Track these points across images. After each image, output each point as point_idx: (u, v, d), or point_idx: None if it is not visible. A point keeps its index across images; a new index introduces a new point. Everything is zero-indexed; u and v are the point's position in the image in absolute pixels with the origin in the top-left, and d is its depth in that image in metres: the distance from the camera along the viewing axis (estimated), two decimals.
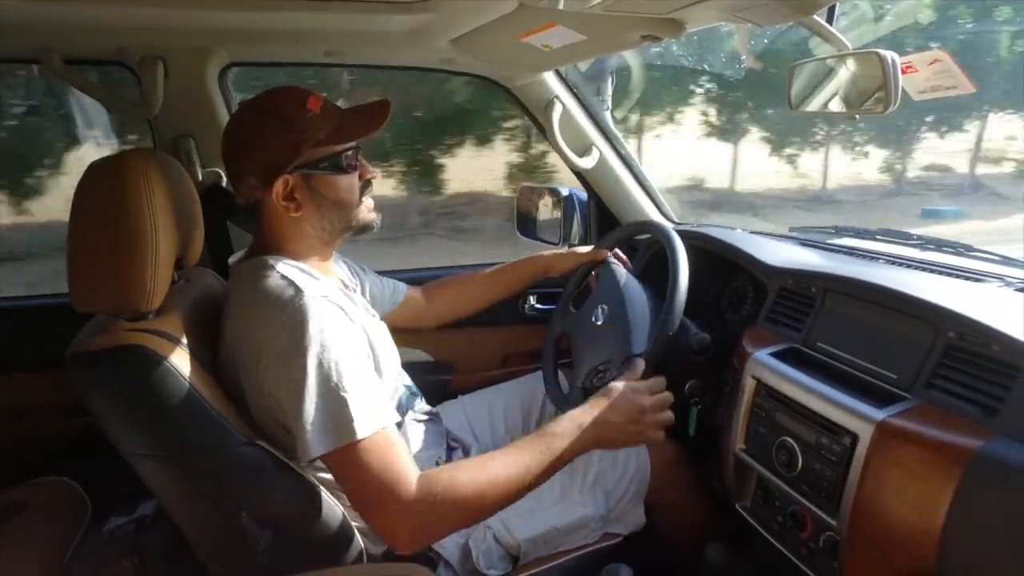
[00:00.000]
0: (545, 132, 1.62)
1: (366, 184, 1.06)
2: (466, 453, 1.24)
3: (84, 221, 0.87)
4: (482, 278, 1.48)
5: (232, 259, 1.10)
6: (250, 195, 1.00)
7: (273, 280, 0.93)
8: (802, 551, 0.98)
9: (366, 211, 1.06)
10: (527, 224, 1.85)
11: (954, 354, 0.88)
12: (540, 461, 0.91)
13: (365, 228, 1.07)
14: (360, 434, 0.85)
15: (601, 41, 1.16)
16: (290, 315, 0.88)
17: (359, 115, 1.02)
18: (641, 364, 1.11)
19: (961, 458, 0.77)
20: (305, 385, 0.85)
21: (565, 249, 1.48)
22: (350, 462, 0.85)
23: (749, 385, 1.10)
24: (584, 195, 1.75)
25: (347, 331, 0.91)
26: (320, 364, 0.86)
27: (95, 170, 0.88)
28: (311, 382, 0.85)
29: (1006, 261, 1.14)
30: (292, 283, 0.92)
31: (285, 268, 0.95)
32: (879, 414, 0.87)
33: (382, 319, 1.19)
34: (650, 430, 0.99)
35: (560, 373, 1.43)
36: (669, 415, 1.02)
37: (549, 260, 1.46)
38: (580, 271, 1.47)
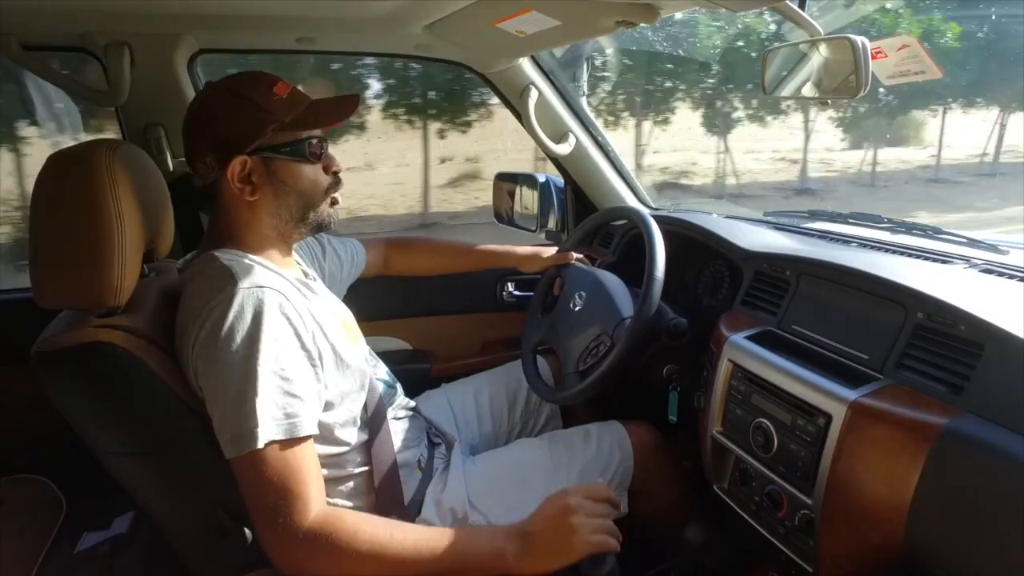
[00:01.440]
0: (521, 118, 1.62)
1: (334, 177, 1.02)
2: (449, 448, 1.24)
3: (45, 215, 0.84)
4: (449, 253, 1.51)
5: (180, 263, 1.06)
6: (206, 174, 0.97)
7: (212, 272, 0.90)
8: (779, 530, 1.00)
9: (326, 206, 1.02)
10: (504, 211, 1.85)
11: (923, 334, 0.90)
12: (450, 559, 0.84)
13: (323, 224, 1.03)
14: (262, 441, 0.81)
15: (576, 26, 1.16)
16: (216, 307, 0.85)
17: (328, 105, 1.00)
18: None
19: (929, 435, 0.79)
20: (220, 382, 0.83)
21: (529, 252, 1.50)
22: (252, 468, 0.82)
23: (726, 368, 1.11)
24: (561, 181, 1.76)
25: (278, 328, 0.87)
26: (238, 360, 0.83)
27: (56, 162, 0.86)
28: (225, 379, 0.83)
29: (972, 243, 1.17)
30: (230, 273, 0.88)
31: (230, 259, 0.92)
32: (852, 394, 0.89)
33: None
34: (585, 533, 0.85)
35: (545, 366, 1.44)
36: (605, 523, 0.88)
37: (518, 259, 1.50)
38: (544, 280, 1.49)
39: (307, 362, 0.90)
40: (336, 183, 1.03)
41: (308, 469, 0.86)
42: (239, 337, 0.84)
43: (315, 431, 0.89)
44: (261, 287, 0.88)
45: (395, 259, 1.46)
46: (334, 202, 1.03)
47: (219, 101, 0.95)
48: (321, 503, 0.85)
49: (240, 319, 0.85)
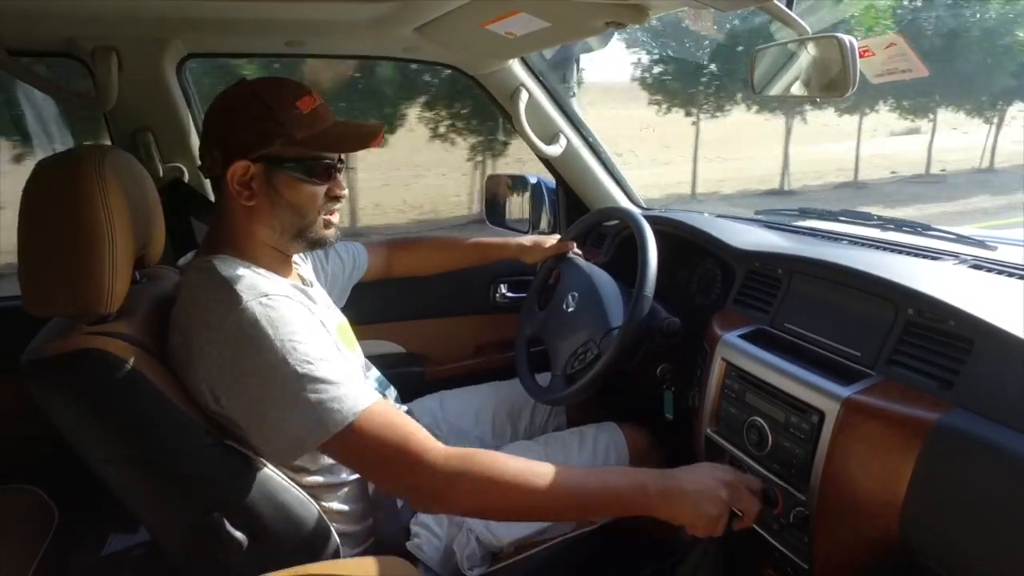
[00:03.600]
0: (512, 120, 1.62)
1: (333, 199, 1.00)
2: None
3: (35, 222, 0.83)
4: (451, 249, 1.50)
5: (182, 261, 1.06)
6: (211, 167, 0.96)
7: (212, 284, 0.89)
8: (774, 527, 1.00)
9: (322, 226, 1.00)
10: (496, 212, 1.85)
11: (913, 330, 0.91)
12: (595, 484, 0.88)
13: (318, 243, 1.01)
14: (363, 405, 0.83)
15: (565, 28, 1.16)
16: (231, 324, 0.84)
17: (349, 130, 0.99)
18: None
19: (921, 430, 0.80)
20: (268, 392, 0.82)
21: (530, 241, 1.50)
22: (361, 435, 0.83)
23: (719, 367, 1.12)
24: (552, 182, 1.76)
25: (304, 319, 0.88)
26: (283, 361, 0.82)
27: (45, 168, 0.85)
28: (275, 386, 0.82)
29: (961, 239, 1.17)
30: (230, 286, 0.87)
31: (230, 269, 0.90)
32: (844, 391, 0.89)
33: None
34: (722, 510, 0.87)
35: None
36: (754, 504, 0.91)
37: (517, 251, 1.49)
38: (542, 272, 1.49)
39: (334, 347, 0.92)
40: (330, 203, 1.00)
41: (407, 418, 0.87)
42: (268, 345, 0.83)
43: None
44: (267, 295, 0.87)
45: (398, 259, 1.46)
46: (328, 224, 1.01)
47: (238, 100, 0.94)
48: (441, 444, 0.86)
49: (258, 329, 0.83)
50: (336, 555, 0.97)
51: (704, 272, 1.47)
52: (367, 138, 0.99)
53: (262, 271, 0.95)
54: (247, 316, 0.84)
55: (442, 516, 1.10)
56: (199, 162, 0.99)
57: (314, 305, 1.01)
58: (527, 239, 1.51)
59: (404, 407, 1.23)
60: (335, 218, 1.02)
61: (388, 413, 0.86)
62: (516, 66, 1.56)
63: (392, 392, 1.21)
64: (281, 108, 0.93)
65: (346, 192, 1.02)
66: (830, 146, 11.25)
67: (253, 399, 0.84)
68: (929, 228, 1.26)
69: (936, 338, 0.88)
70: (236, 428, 0.88)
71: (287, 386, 0.82)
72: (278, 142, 0.93)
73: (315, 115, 0.95)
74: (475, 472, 0.84)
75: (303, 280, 1.09)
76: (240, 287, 0.87)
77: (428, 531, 1.09)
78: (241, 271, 0.91)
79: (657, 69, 9.84)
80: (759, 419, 1.02)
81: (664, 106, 9.93)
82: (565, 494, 0.86)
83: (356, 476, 1.03)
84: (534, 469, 0.86)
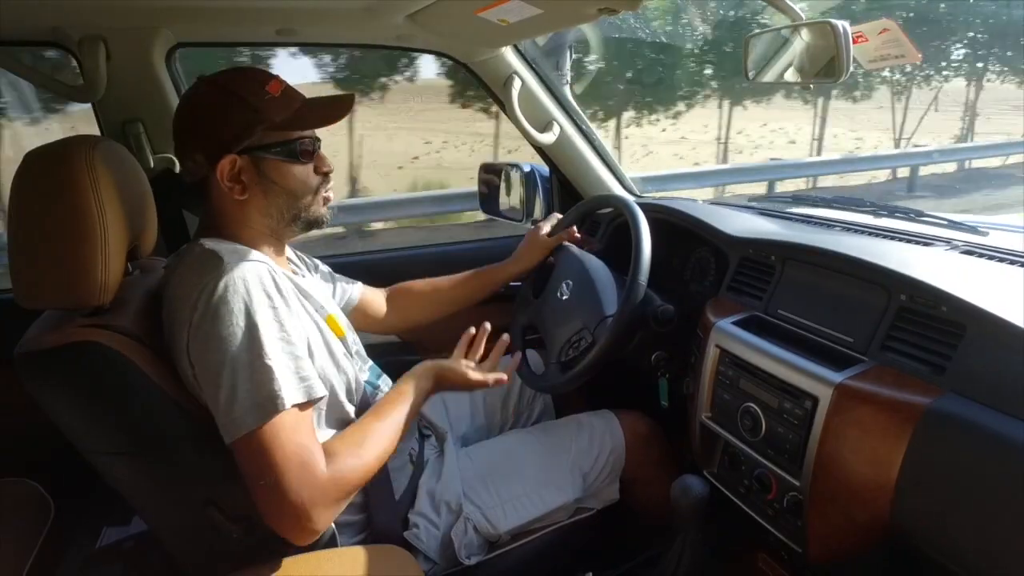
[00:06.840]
0: (505, 108, 1.61)
1: (324, 177, 1.01)
2: (440, 439, 1.24)
3: (25, 214, 0.83)
4: (446, 290, 1.44)
5: (167, 262, 1.06)
6: (196, 172, 0.95)
7: (196, 257, 0.89)
8: (768, 512, 1.01)
9: (318, 205, 1.01)
10: (489, 201, 1.84)
11: (906, 316, 0.92)
12: (406, 416, 0.98)
13: (315, 222, 1.02)
14: (288, 403, 0.81)
15: (558, 14, 1.15)
16: (207, 285, 0.84)
17: (321, 105, 0.99)
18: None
19: (913, 415, 0.80)
20: (226, 356, 0.81)
21: (521, 250, 1.47)
22: (271, 437, 0.80)
23: (713, 354, 1.12)
24: (546, 170, 1.75)
25: (273, 296, 0.87)
26: (242, 332, 0.82)
27: (34, 159, 0.84)
28: (232, 353, 0.81)
29: (953, 225, 1.18)
30: (216, 255, 0.87)
31: (216, 244, 0.90)
32: (837, 377, 0.90)
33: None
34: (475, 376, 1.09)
35: (534, 354, 1.44)
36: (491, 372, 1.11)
37: (509, 269, 1.45)
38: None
39: (302, 330, 0.91)
40: (325, 182, 1.01)
41: (311, 427, 0.87)
42: (238, 309, 0.83)
43: (325, 392, 0.90)
44: (250, 261, 0.88)
45: (395, 305, 1.42)
46: (326, 200, 1.02)
47: (209, 98, 0.94)
48: (322, 454, 0.85)
49: (235, 292, 0.83)
50: (332, 541, 0.98)
51: (698, 259, 1.47)
52: (343, 109, 0.99)
53: (254, 252, 0.95)
54: (226, 277, 0.84)
55: (440, 506, 1.11)
56: (179, 169, 0.98)
57: (303, 282, 1.01)
58: (518, 253, 1.47)
59: None
60: (330, 196, 1.03)
61: (306, 420, 0.85)
62: (509, 53, 1.55)
63: (386, 381, 1.21)
64: (254, 95, 0.93)
65: (332, 168, 1.03)
66: None
67: (213, 366, 0.82)
68: (922, 214, 1.27)
69: (928, 323, 0.88)
70: (202, 395, 0.86)
71: (243, 359, 0.81)
72: (259, 129, 0.93)
73: (287, 96, 0.95)
74: (347, 481, 0.86)
75: (295, 271, 1.09)
76: (224, 253, 0.87)
77: (426, 520, 1.09)
78: (231, 246, 0.91)
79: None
80: (753, 405, 1.02)
81: None
82: (395, 442, 0.96)
83: None
84: (381, 437, 0.93)
